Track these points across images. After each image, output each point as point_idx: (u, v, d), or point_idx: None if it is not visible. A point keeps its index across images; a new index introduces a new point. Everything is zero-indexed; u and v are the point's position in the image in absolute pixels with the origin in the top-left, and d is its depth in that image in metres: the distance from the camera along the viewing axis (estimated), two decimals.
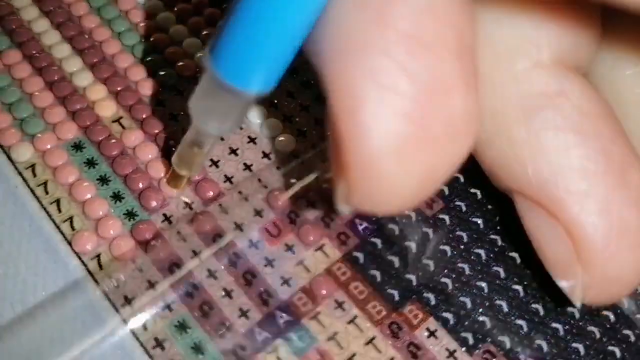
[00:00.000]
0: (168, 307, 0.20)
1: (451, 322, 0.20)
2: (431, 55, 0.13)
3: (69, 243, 0.21)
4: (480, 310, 0.20)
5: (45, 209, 0.21)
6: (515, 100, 0.16)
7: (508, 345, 0.20)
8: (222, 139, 0.23)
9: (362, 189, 0.14)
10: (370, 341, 0.20)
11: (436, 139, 0.13)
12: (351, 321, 0.20)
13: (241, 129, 0.24)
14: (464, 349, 0.20)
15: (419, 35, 0.13)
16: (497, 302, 0.21)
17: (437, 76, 0.13)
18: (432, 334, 0.20)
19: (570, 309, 0.21)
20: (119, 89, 0.24)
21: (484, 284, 0.21)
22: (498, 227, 0.22)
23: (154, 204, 0.21)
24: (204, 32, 0.26)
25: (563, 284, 0.18)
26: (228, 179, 0.23)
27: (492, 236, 0.22)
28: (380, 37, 0.13)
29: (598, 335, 0.20)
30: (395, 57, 0.13)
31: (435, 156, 0.13)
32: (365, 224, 0.22)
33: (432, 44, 0.13)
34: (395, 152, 0.13)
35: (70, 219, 0.21)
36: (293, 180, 0.22)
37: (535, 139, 0.16)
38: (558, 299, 0.20)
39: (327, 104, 0.14)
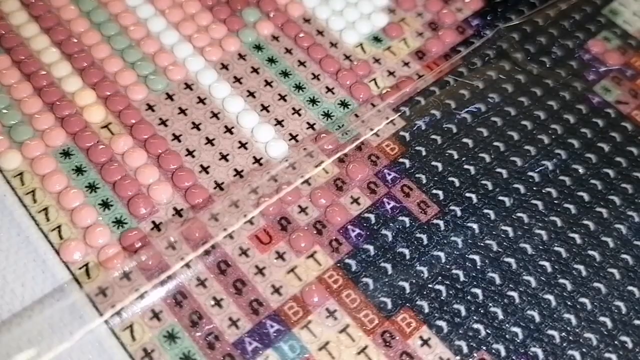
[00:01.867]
0: (157, 316, 0.19)
1: (445, 330, 0.20)
2: None
3: (57, 252, 0.20)
4: (475, 317, 0.20)
5: (33, 217, 0.21)
6: None
7: (503, 353, 0.19)
8: (211, 143, 0.23)
9: None
10: (362, 350, 0.19)
11: None
12: (343, 330, 0.20)
13: (232, 133, 0.23)
14: (458, 357, 0.19)
15: None
16: (492, 309, 0.20)
17: None
18: (425, 342, 0.19)
19: (566, 315, 0.20)
20: (108, 93, 0.24)
21: (478, 291, 0.21)
22: (494, 232, 0.22)
23: (142, 211, 0.21)
24: (195, 36, 0.26)
25: None
26: (218, 185, 0.22)
27: (488, 241, 0.22)
28: None
29: (595, 342, 0.20)
30: None
31: None
32: (357, 230, 0.21)
33: None
34: None
35: (59, 227, 0.21)
36: (284, 186, 0.22)
37: None
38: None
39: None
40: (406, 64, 0.26)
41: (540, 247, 0.22)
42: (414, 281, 0.21)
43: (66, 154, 0.22)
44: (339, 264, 0.21)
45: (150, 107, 0.24)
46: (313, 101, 0.25)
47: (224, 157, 0.23)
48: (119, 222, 0.21)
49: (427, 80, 0.25)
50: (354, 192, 0.22)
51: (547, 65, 0.26)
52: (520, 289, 0.21)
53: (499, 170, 0.23)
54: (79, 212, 0.21)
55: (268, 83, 0.25)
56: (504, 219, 0.22)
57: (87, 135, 0.23)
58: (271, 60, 0.26)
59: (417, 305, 0.20)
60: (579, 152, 0.24)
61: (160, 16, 0.26)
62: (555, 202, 0.23)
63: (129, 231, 0.21)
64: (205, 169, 0.23)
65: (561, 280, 0.21)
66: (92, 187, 0.22)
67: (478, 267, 0.21)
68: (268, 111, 0.24)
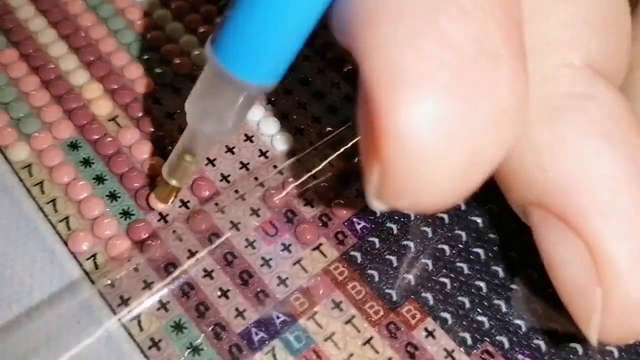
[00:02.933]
0: (164, 307, 0.20)
1: (449, 321, 0.20)
2: (475, 24, 0.11)
3: (65, 243, 0.21)
4: (479, 309, 0.20)
5: (41, 209, 0.21)
6: (539, 98, 0.14)
7: (506, 345, 0.20)
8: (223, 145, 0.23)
9: (398, 176, 0.12)
10: (367, 341, 0.19)
11: (481, 120, 0.12)
12: (349, 321, 0.20)
13: None
14: (462, 348, 0.19)
15: (462, 2, 0.11)
16: (496, 301, 0.20)
17: (482, 47, 0.11)
18: (430, 333, 0.20)
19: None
20: (115, 87, 0.24)
21: (482, 284, 0.21)
22: (498, 226, 0.22)
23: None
24: (201, 30, 0.26)
25: (578, 311, 0.15)
26: (224, 177, 0.22)
27: (491, 235, 0.22)
28: (420, 2, 0.11)
29: None
30: (438, 23, 0.11)
31: (480, 141, 0.12)
32: (363, 223, 0.22)
33: (475, 12, 0.11)
34: (436, 130, 0.11)
35: (66, 218, 0.21)
36: (290, 179, 0.22)
37: (559, 142, 0.14)
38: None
39: (358, 78, 0.12)
40: None
41: None
42: (419, 273, 0.21)
43: (74, 146, 0.23)
44: (344, 256, 0.21)
45: (157, 101, 0.24)
46: (319, 95, 0.25)
47: (230, 150, 0.23)
48: (126, 214, 0.21)
49: None
50: (359, 185, 0.22)
51: None
52: (524, 281, 0.21)
53: None
54: (87, 204, 0.21)
55: None
56: (507, 212, 0.22)
57: (95, 127, 0.23)
58: None
59: (422, 297, 0.20)
60: None
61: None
62: None
63: (136, 222, 0.21)
64: (211, 162, 0.23)
65: None
66: (99, 179, 0.22)
67: (482, 260, 0.21)
68: (274, 105, 0.24)
